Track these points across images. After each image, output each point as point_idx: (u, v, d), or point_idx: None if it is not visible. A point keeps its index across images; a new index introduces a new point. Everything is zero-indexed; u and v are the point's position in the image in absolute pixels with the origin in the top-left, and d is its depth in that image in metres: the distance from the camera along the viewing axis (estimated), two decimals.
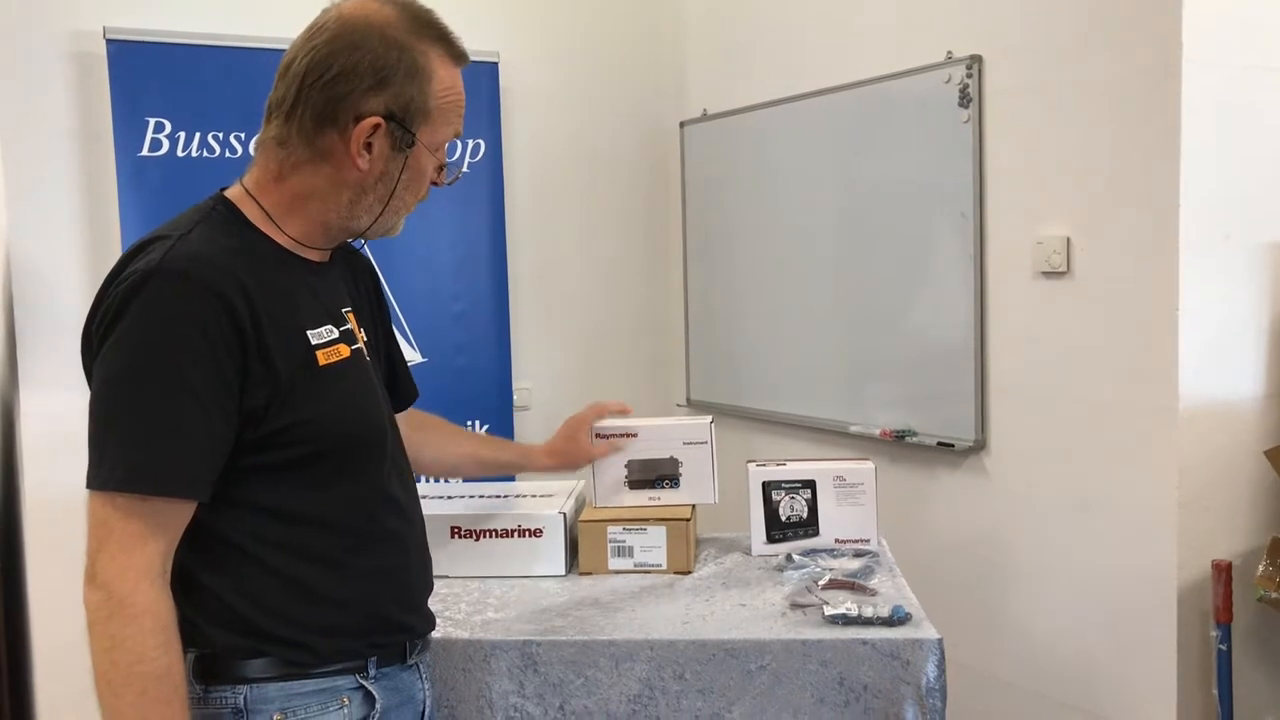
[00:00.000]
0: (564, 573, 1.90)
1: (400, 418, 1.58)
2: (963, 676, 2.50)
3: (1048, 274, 2.51)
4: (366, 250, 1.52)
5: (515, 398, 3.47)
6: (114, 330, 1.14)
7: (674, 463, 1.97)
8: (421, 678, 1.39)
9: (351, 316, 1.35)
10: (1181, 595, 2.29)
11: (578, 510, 1.99)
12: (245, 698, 1.21)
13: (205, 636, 1.20)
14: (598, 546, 1.90)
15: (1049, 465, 2.54)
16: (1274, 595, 2.23)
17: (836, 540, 1.96)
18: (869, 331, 3.01)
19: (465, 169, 3.32)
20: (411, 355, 3.24)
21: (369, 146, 1.23)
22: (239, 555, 1.22)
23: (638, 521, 1.90)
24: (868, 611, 1.61)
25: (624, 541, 1.90)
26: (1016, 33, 2.55)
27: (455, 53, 1.29)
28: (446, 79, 1.27)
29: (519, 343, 3.51)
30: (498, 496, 2.04)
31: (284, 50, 1.27)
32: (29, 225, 2.87)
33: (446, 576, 1.88)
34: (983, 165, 2.64)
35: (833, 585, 1.75)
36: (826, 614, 1.62)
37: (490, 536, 1.89)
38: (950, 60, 2.69)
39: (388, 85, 1.22)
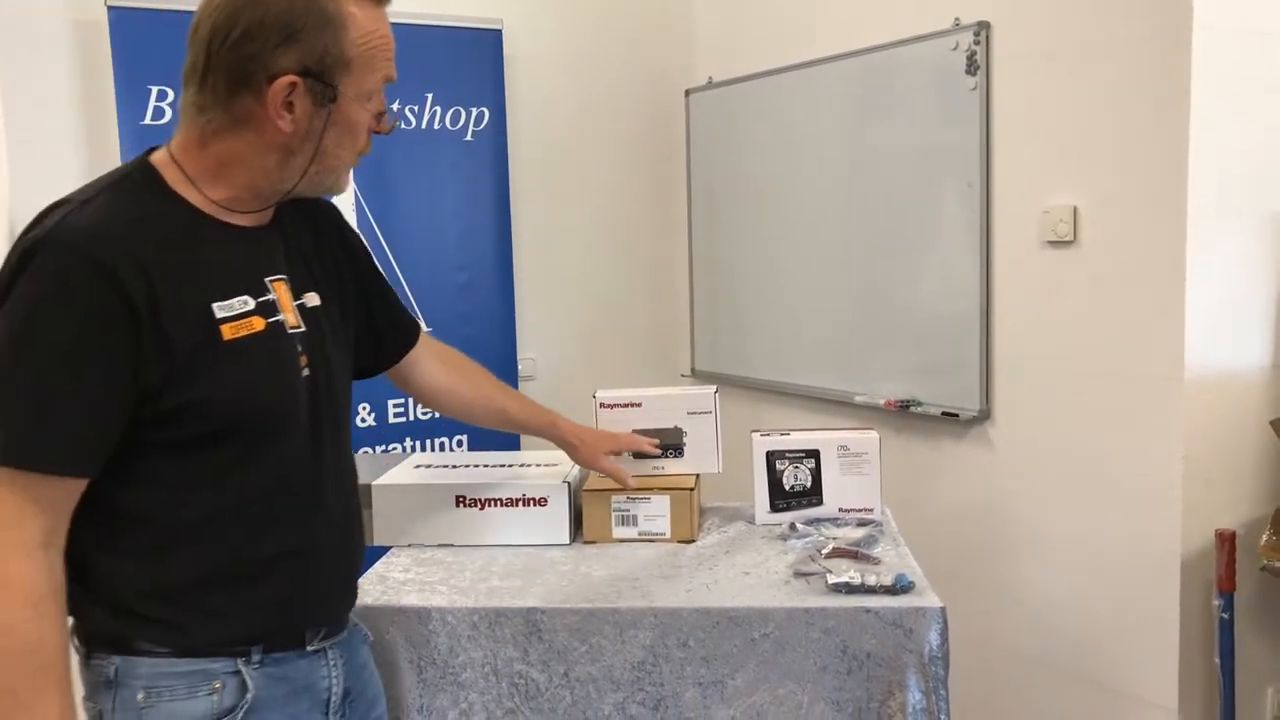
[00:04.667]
0: (568, 541, 1.90)
1: (421, 356, 1.62)
2: (965, 645, 2.51)
3: (1054, 243, 2.50)
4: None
5: (520, 368, 3.47)
6: (3, 302, 1.11)
7: (678, 432, 1.98)
8: (328, 663, 1.32)
9: (280, 286, 1.27)
10: (1185, 564, 2.29)
11: (582, 479, 1.99)
12: (117, 669, 1.18)
13: (83, 609, 1.18)
14: (602, 515, 1.91)
15: (1053, 435, 2.54)
16: (1278, 564, 2.24)
17: (840, 509, 1.96)
18: (874, 301, 3.00)
19: (470, 137, 3.30)
20: None
21: (289, 106, 1.17)
22: (130, 531, 1.19)
23: (642, 490, 1.90)
24: (871, 580, 1.61)
25: (628, 510, 1.91)
26: None
27: None
28: (365, 22, 1.20)
29: (523, 313, 3.50)
30: (502, 466, 2.04)
31: None
32: (32, 194, 2.83)
33: (451, 545, 1.90)
34: (990, 133, 2.62)
35: (836, 554, 1.75)
36: (830, 582, 1.62)
37: (495, 505, 1.90)
38: (958, 27, 2.67)
39: (298, 39, 1.15)
